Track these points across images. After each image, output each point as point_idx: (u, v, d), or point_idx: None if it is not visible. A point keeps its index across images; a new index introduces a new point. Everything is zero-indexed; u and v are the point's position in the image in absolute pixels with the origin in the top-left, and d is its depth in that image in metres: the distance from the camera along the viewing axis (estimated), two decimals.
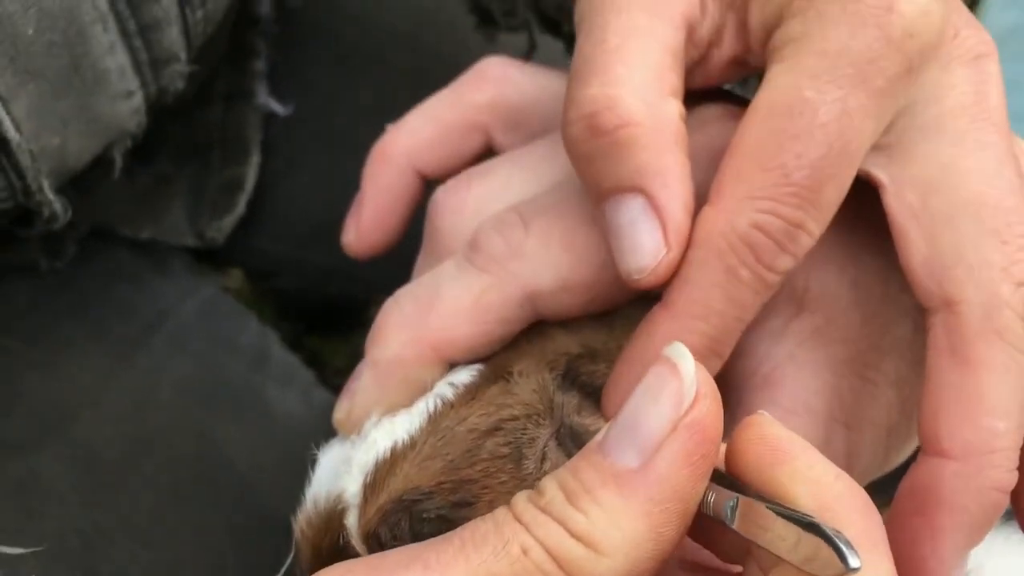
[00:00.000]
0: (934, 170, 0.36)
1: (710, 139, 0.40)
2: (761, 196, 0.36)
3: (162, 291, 0.85)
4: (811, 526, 0.28)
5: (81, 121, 0.58)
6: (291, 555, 0.40)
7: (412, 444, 0.39)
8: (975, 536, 0.36)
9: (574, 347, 0.41)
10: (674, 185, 0.37)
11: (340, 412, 0.43)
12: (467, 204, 0.44)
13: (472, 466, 0.37)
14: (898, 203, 0.37)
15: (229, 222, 0.87)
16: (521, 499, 0.31)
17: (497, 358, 0.42)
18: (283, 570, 0.40)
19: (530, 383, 0.40)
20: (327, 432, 0.88)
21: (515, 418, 0.38)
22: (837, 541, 0.27)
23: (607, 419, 0.39)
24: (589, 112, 0.37)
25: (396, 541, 0.37)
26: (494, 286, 0.40)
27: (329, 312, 1.43)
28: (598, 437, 0.32)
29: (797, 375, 0.41)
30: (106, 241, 0.85)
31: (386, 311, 0.42)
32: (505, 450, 0.37)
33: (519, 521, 0.31)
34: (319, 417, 0.84)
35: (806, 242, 0.37)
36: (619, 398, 0.39)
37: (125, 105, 0.60)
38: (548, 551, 0.30)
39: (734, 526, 0.31)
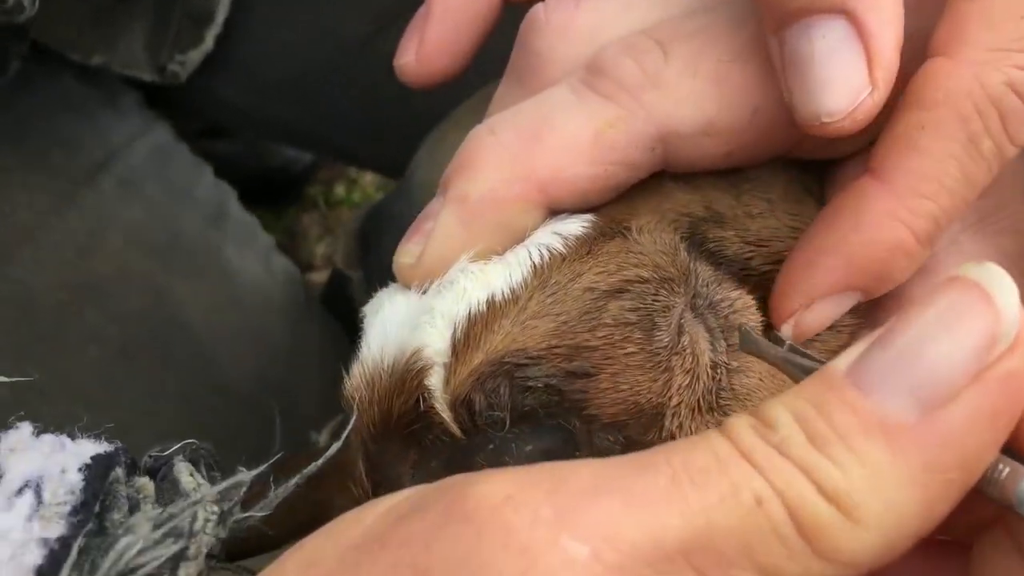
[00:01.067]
0: None
1: None
2: (1019, 48, 0.30)
3: (112, 127, 0.76)
4: None
5: None
6: (349, 425, 0.33)
7: (514, 299, 0.32)
8: None
9: (697, 208, 0.35)
10: (889, 7, 0.30)
11: (408, 255, 0.34)
12: (577, 25, 0.37)
13: (592, 331, 0.31)
14: None
15: (194, 57, 0.77)
16: (744, 429, 0.24)
17: (609, 210, 0.35)
18: (344, 435, 0.33)
19: (655, 243, 0.33)
20: (291, 304, 0.81)
21: (644, 280, 0.32)
22: None
23: (776, 323, 0.33)
24: None
25: (492, 411, 0.31)
26: (622, 120, 0.33)
27: (264, 184, 1.34)
28: (844, 359, 0.24)
29: (960, 263, 0.36)
30: (52, 66, 0.75)
31: (477, 140, 0.34)
32: (633, 316, 0.31)
33: (748, 459, 0.23)
34: (282, 286, 0.77)
35: None
36: (806, 293, 0.32)
37: None
38: (788, 507, 0.22)
39: None
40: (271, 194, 1.32)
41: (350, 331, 0.74)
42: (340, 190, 1.43)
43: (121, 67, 0.77)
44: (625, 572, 0.22)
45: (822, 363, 0.27)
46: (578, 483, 0.23)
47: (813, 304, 0.32)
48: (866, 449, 0.23)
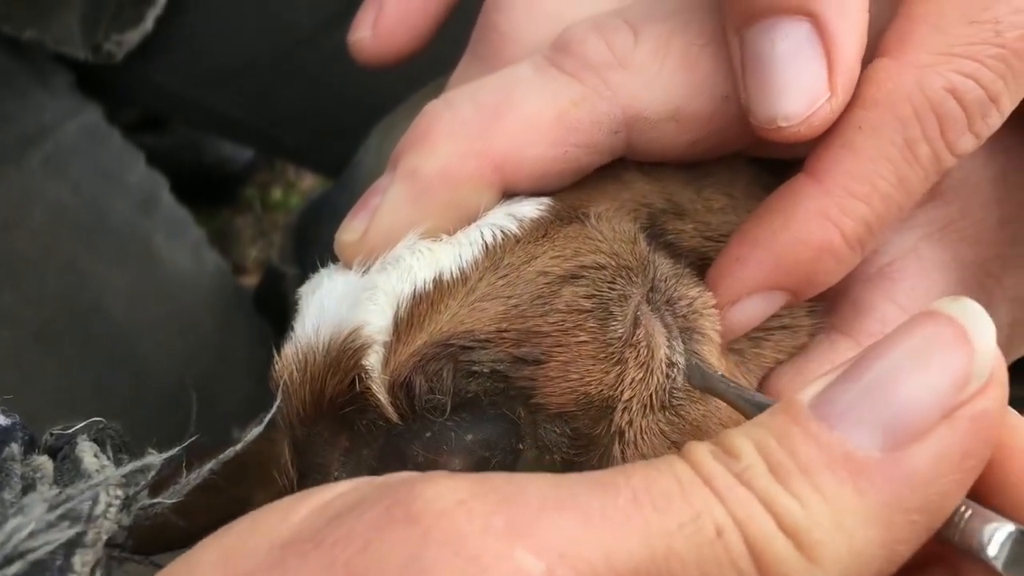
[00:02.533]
0: None
1: None
2: (963, 54, 0.29)
3: (42, 105, 0.73)
4: None
5: None
6: (274, 406, 0.31)
7: (463, 279, 0.30)
8: None
9: (657, 199, 0.33)
10: (854, 13, 0.29)
11: (351, 232, 0.32)
12: (541, 3, 0.35)
13: (543, 316, 0.29)
14: None
15: (132, 37, 0.74)
16: (705, 455, 0.23)
17: (567, 195, 0.33)
18: (267, 418, 0.30)
19: (614, 230, 0.31)
20: (220, 298, 0.78)
21: (601, 267, 0.30)
22: None
23: (719, 306, 0.32)
24: None
25: (433, 396, 0.29)
26: (587, 100, 0.31)
27: (198, 181, 1.31)
28: (808, 392, 0.23)
29: (919, 272, 0.35)
30: None
31: (433, 113, 0.32)
32: (587, 303, 0.29)
33: (709, 486, 0.22)
34: (211, 279, 0.74)
35: (994, 123, 0.30)
36: (733, 288, 0.31)
37: None
38: (747, 540, 0.22)
39: (1000, 566, 0.22)
40: (204, 192, 1.29)
41: (281, 330, 0.72)
42: (277, 193, 1.40)
43: (54, 43, 0.73)
44: None
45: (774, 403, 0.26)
46: (534, 495, 0.22)
47: (740, 301, 0.31)
48: (829, 484, 0.22)
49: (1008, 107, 0.30)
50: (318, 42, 0.78)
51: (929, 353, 0.22)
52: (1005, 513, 0.23)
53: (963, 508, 0.23)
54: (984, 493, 0.23)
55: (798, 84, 0.29)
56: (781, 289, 0.31)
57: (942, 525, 0.23)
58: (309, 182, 1.39)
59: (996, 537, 0.22)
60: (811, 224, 0.30)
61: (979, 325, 0.23)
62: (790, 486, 0.22)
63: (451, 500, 0.22)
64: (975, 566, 0.23)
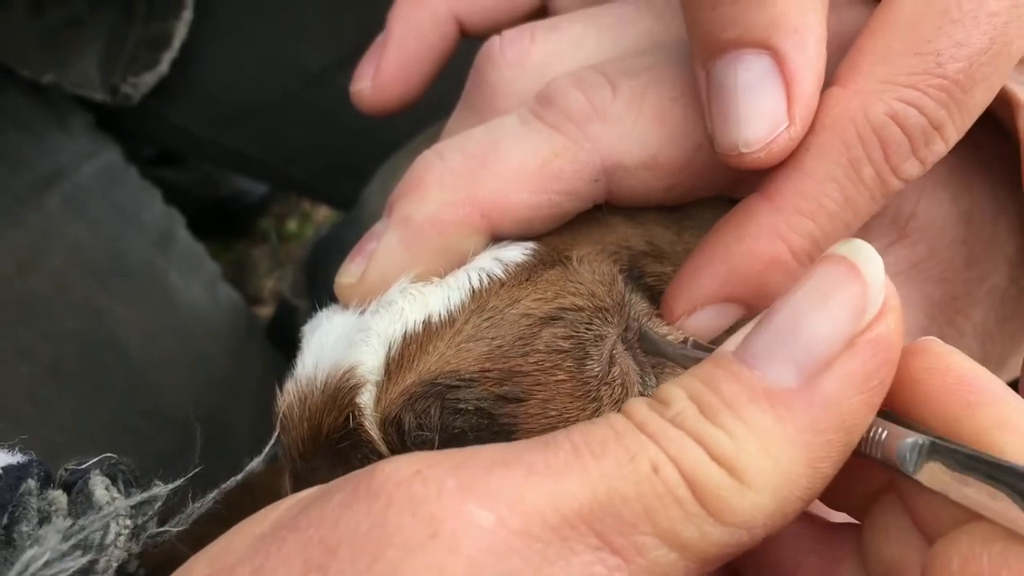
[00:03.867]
0: None
1: (841, 24, 0.34)
2: (906, 83, 0.31)
3: (61, 146, 0.75)
4: None
5: None
6: (273, 438, 0.33)
7: (450, 321, 0.32)
8: None
9: (638, 242, 0.35)
10: (812, 49, 0.31)
11: (349, 275, 0.34)
12: (530, 58, 0.37)
13: (524, 356, 0.31)
14: None
15: (148, 80, 0.76)
16: (640, 406, 0.25)
17: (551, 239, 0.35)
18: (265, 451, 0.32)
19: (593, 273, 0.33)
20: (234, 333, 0.80)
21: (579, 308, 0.32)
22: None
23: (669, 322, 0.33)
24: None
25: (422, 432, 0.30)
26: (568, 150, 0.33)
27: (215, 214, 1.33)
28: (731, 342, 0.25)
29: None
30: (1, 82, 0.74)
31: (425, 163, 0.34)
32: (565, 344, 0.31)
33: (643, 431, 0.24)
34: (225, 315, 0.76)
35: (939, 150, 0.32)
36: (689, 298, 0.33)
37: None
38: (682, 472, 0.24)
39: (914, 474, 0.24)
40: (221, 225, 1.31)
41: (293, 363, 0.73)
42: (293, 225, 1.42)
43: (72, 86, 0.76)
44: (530, 537, 0.23)
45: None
46: (483, 459, 0.24)
47: (696, 310, 0.33)
48: (752, 415, 0.24)
49: (953, 136, 0.32)
50: (327, 82, 0.80)
51: (826, 291, 0.25)
52: (927, 428, 0.25)
53: (880, 429, 0.25)
54: (910, 411, 0.26)
55: (758, 113, 0.31)
56: (734, 300, 0.33)
57: (864, 445, 0.25)
58: (324, 213, 1.41)
59: (908, 448, 0.24)
60: (762, 239, 0.32)
61: (868, 260, 0.25)
62: (718, 421, 0.24)
63: (407, 472, 0.24)
64: (906, 482, 0.25)
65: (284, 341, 0.80)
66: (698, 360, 0.28)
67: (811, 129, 0.32)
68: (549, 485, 0.23)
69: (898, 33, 0.31)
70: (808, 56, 0.31)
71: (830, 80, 0.32)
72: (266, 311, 1.27)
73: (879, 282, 0.25)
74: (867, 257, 0.25)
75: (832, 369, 0.24)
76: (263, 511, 0.26)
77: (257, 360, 0.77)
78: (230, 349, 0.74)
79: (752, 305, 0.33)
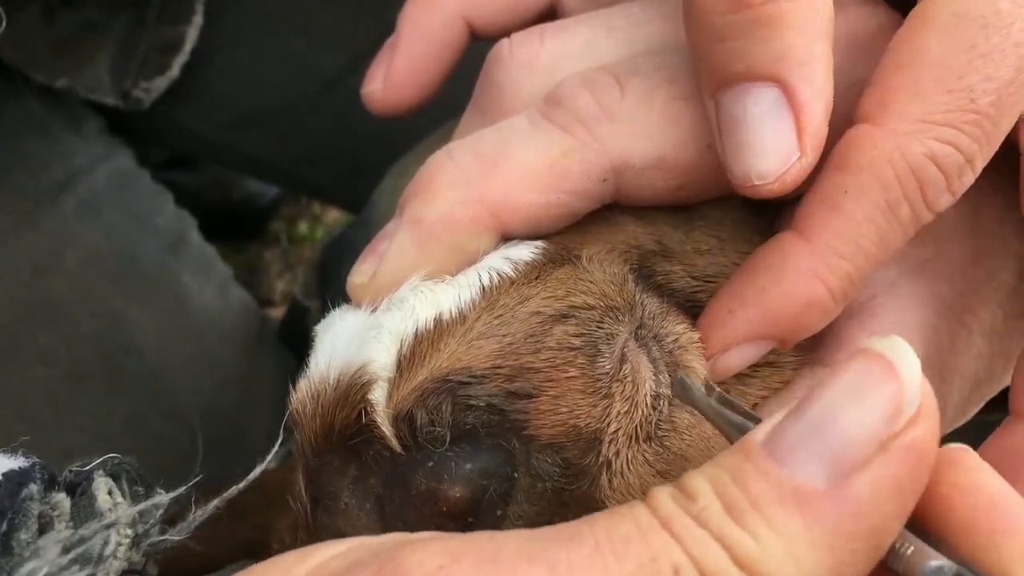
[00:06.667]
0: None
1: (850, 24, 0.35)
2: (942, 122, 0.31)
3: (75, 150, 0.76)
4: None
5: None
6: (278, 442, 0.33)
7: (461, 319, 0.32)
8: None
9: (648, 241, 0.35)
10: (819, 80, 0.31)
11: (361, 275, 0.34)
12: (539, 60, 0.37)
13: (535, 353, 0.31)
14: None
15: (160, 84, 0.77)
16: (665, 498, 0.24)
17: (561, 238, 0.35)
18: (274, 449, 0.32)
19: (604, 272, 0.34)
20: (246, 334, 0.80)
21: (590, 307, 0.32)
22: None
23: (707, 357, 0.33)
24: None
25: (433, 428, 0.31)
26: (576, 150, 0.34)
27: (227, 217, 1.34)
28: (761, 431, 0.25)
29: (897, 307, 0.34)
30: (16, 87, 0.75)
31: (436, 164, 0.35)
32: (577, 341, 0.31)
33: (667, 529, 0.24)
34: (238, 317, 0.77)
35: (968, 180, 0.32)
36: (723, 340, 0.33)
37: None
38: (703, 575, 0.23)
39: None
40: (233, 228, 1.32)
41: (305, 362, 0.74)
42: (304, 227, 1.43)
43: (85, 91, 0.77)
44: None
45: (752, 416, 0.28)
46: (509, 553, 0.24)
47: (730, 349, 0.33)
48: (779, 518, 0.23)
49: (980, 165, 0.32)
50: (340, 85, 0.80)
51: (861, 388, 0.24)
52: (953, 549, 0.24)
53: (907, 544, 0.24)
54: (935, 525, 0.25)
55: (770, 145, 0.31)
56: (768, 339, 0.33)
57: (889, 556, 0.24)
58: (334, 215, 1.42)
59: (932, 572, 0.24)
60: (800, 281, 0.32)
61: (905, 360, 0.24)
62: (743, 522, 0.23)
63: (432, 566, 0.23)
64: None
65: (296, 342, 0.81)
66: (729, 421, 0.28)
67: (847, 169, 0.32)
68: None
69: (928, 69, 0.31)
70: (816, 87, 0.31)
71: (857, 116, 0.32)
72: (278, 312, 1.28)
73: (915, 384, 0.24)
74: (905, 356, 0.24)
75: (863, 471, 0.23)
76: (285, 563, 0.26)
77: (270, 361, 0.78)
78: (243, 351, 0.75)
79: (787, 341, 0.33)
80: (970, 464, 0.25)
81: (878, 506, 0.23)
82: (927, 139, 0.31)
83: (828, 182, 0.32)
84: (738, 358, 0.33)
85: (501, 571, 0.23)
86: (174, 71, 0.78)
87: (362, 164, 0.81)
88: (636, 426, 0.31)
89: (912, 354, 0.24)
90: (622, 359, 0.32)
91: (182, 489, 0.32)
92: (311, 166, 0.89)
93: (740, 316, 0.32)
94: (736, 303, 0.33)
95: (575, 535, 0.24)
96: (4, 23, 0.54)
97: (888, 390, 0.24)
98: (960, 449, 0.26)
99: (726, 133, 0.32)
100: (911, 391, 0.24)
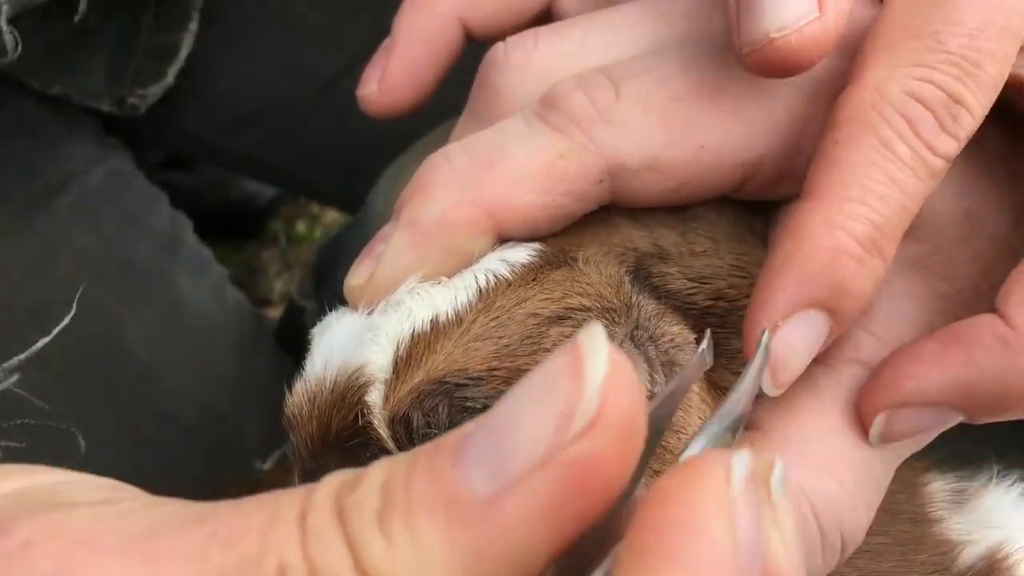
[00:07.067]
0: None
1: (852, 24, 0.34)
2: (912, 62, 0.31)
3: (69, 153, 0.75)
4: None
5: None
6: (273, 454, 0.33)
7: (458, 321, 0.32)
8: None
9: (644, 243, 0.35)
10: None
11: (358, 277, 0.34)
12: (533, 63, 0.37)
13: (532, 355, 0.31)
14: None
15: (155, 91, 0.77)
16: (327, 486, 0.21)
17: (557, 240, 0.35)
18: (277, 454, 0.32)
19: (600, 274, 0.33)
20: (241, 336, 0.80)
21: (586, 309, 0.32)
22: None
23: (746, 351, 0.31)
24: None
25: (430, 430, 0.31)
26: (572, 152, 0.34)
27: (225, 217, 1.34)
28: (471, 425, 0.21)
29: (893, 304, 0.35)
30: (11, 90, 0.75)
31: (432, 166, 0.35)
32: None
33: (300, 521, 0.21)
34: (233, 317, 0.77)
35: (967, 123, 0.31)
36: (769, 316, 0.31)
37: None
38: None
39: None
40: (231, 227, 1.32)
41: (301, 364, 0.74)
42: (302, 227, 1.43)
43: (80, 97, 0.76)
44: None
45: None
46: (111, 539, 0.21)
47: (779, 328, 0.31)
48: (423, 526, 0.20)
49: (978, 109, 0.32)
50: (336, 87, 0.80)
51: (544, 388, 0.20)
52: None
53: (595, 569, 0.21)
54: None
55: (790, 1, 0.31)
56: (813, 304, 0.31)
57: None
58: (332, 215, 1.42)
59: None
60: (818, 233, 0.31)
61: (596, 356, 0.20)
62: (385, 524, 0.20)
63: (19, 539, 0.21)
64: None
65: (292, 343, 0.81)
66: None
67: (834, 125, 0.32)
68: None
69: (895, 26, 0.32)
70: None
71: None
72: (276, 312, 1.28)
73: (594, 388, 0.20)
74: (596, 352, 0.20)
75: (517, 489, 0.20)
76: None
77: (265, 362, 0.78)
78: (238, 352, 0.75)
79: (835, 305, 0.31)
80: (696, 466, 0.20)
81: (523, 529, 0.20)
82: (902, 79, 0.31)
83: (821, 146, 0.32)
84: (792, 339, 0.31)
85: (89, 559, 0.21)
86: (169, 78, 0.77)
87: (360, 164, 0.81)
88: None
89: (607, 348, 0.20)
90: None
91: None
92: (309, 167, 0.88)
93: (778, 286, 0.31)
94: (767, 278, 0.32)
95: (204, 518, 0.21)
96: (20, 47, 0.54)
97: (566, 391, 0.20)
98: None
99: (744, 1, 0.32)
100: (587, 396, 0.20)
